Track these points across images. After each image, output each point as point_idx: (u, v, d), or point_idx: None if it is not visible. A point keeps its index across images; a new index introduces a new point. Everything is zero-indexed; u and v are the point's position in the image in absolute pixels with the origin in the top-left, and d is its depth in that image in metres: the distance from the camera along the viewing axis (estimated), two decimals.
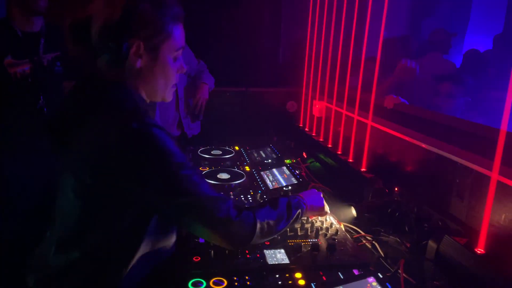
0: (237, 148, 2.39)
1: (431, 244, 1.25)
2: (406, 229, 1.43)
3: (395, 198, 1.56)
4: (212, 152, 2.22)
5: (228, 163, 2.11)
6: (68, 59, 2.14)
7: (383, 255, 1.33)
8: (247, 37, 3.12)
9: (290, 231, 1.34)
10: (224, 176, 1.85)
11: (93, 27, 1.02)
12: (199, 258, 1.17)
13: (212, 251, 1.19)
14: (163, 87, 1.15)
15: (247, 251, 1.21)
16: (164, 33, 1.06)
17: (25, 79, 1.99)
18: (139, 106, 1.05)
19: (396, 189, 1.58)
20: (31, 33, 2.12)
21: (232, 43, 3.10)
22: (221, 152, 2.24)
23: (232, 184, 1.78)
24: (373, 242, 1.40)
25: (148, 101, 1.16)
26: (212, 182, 1.78)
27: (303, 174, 1.97)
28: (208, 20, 3.00)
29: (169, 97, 1.19)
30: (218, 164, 2.07)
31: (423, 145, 1.54)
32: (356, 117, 1.94)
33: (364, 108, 1.87)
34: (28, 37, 2.11)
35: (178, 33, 1.10)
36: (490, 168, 1.16)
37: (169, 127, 2.59)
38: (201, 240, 1.27)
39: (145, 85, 1.12)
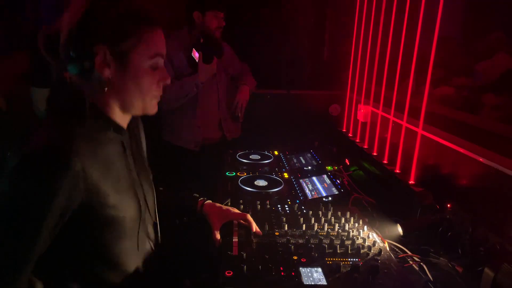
0: (276, 152, 2.32)
1: (488, 272, 1.11)
2: (459, 251, 1.30)
3: (447, 216, 1.42)
4: (250, 157, 2.17)
5: (266, 168, 2.04)
6: None
7: (431, 279, 1.22)
8: (289, 37, 3.03)
9: (329, 248, 1.26)
10: (261, 183, 1.79)
11: (61, 39, 0.96)
12: (231, 273, 1.12)
13: (245, 266, 1.13)
14: (140, 99, 1.05)
15: (281, 268, 1.15)
16: (132, 37, 0.98)
17: None
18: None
19: (448, 205, 1.44)
20: None
21: (274, 43, 3.03)
22: (259, 157, 2.18)
23: (269, 192, 1.71)
24: (421, 263, 1.29)
25: (128, 115, 1.10)
26: (249, 189, 1.73)
27: (345, 182, 1.87)
28: (250, 21, 2.95)
29: (151, 109, 1.10)
30: (256, 170, 2.02)
31: (480, 159, 1.39)
32: (404, 124, 1.80)
33: (414, 114, 1.73)
34: None
35: (152, 38, 1.01)
36: None
37: (210, 128, 2.57)
38: (235, 253, 1.22)
39: (118, 97, 1.04)
